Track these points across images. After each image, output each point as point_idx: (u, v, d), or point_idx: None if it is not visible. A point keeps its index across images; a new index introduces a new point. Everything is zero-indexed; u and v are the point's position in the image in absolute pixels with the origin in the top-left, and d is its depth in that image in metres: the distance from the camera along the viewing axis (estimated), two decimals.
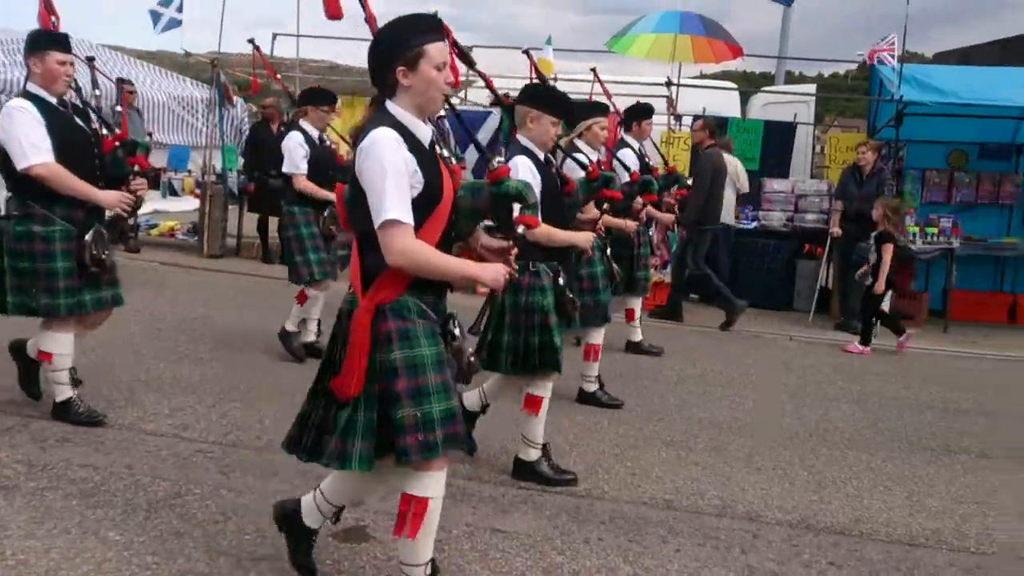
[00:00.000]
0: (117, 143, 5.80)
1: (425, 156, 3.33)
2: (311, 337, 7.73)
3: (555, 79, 12.91)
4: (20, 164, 5.19)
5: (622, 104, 13.17)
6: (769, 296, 12.08)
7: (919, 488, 5.66)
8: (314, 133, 7.57)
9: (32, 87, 5.37)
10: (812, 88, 16.94)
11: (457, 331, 3.49)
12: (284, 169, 7.49)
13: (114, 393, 6.21)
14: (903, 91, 11.16)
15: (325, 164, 7.58)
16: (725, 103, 14.22)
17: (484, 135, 12.44)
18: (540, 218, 4.34)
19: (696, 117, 12.87)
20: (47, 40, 5.44)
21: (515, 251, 3.62)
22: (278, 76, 10.72)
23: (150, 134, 13.51)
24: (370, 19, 3.68)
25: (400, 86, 3.33)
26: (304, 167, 7.42)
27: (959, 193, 12.99)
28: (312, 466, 5.09)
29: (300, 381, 6.85)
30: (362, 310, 3.29)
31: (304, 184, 7.42)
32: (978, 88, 11.27)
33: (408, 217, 3.19)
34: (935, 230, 11.51)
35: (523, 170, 4.85)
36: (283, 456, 5.22)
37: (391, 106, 3.37)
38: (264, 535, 4.20)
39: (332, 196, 7.33)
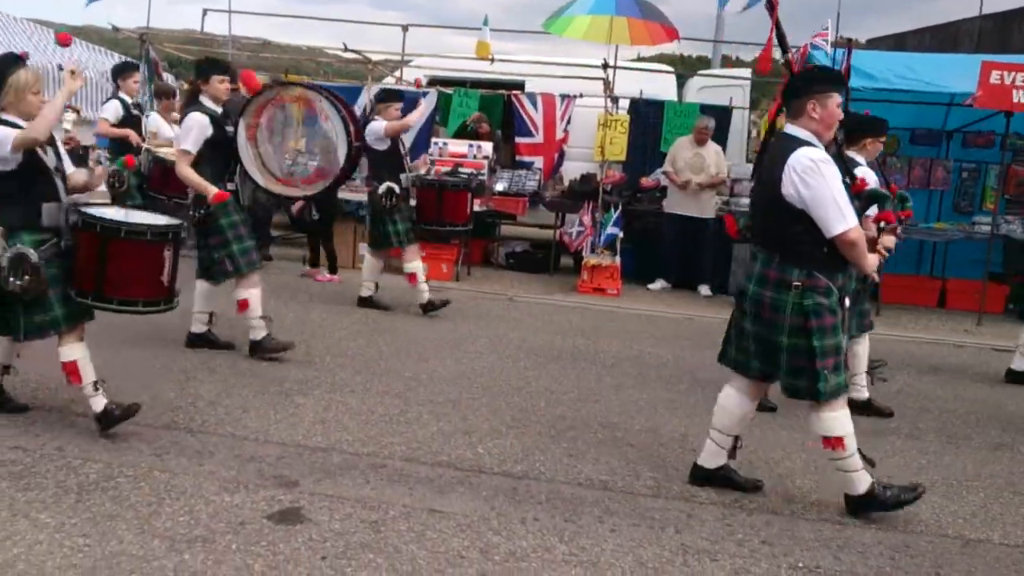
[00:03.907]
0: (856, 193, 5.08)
1: None
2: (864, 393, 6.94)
3: (492, 60, 12.93)
4: (836, 228, 4.49)
5: (555, 85, 13.26)
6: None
7: None
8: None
9: (801, 134, 4.72)
10: (748, 72, 17.07)
11: None
12: None
13: (44, 375, 6.09)
14: None
15: None
16: (662, 86, 14.28)
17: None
18: None
19: (633, 100, 12.93)
20: None
21: None
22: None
23: (77, 111, 13.19)
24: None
25: None
26: None
27: (891, 178, 13.14)
28: (248, 448, 5.10)
29: (233, 363, 6.82)
30: None
31: None
32: (910, 74, 11.39)
33: None
34: None
35: None
36: (217, 437, 5.24)
37: None
38: (198, 517, 4.16)
39: None
